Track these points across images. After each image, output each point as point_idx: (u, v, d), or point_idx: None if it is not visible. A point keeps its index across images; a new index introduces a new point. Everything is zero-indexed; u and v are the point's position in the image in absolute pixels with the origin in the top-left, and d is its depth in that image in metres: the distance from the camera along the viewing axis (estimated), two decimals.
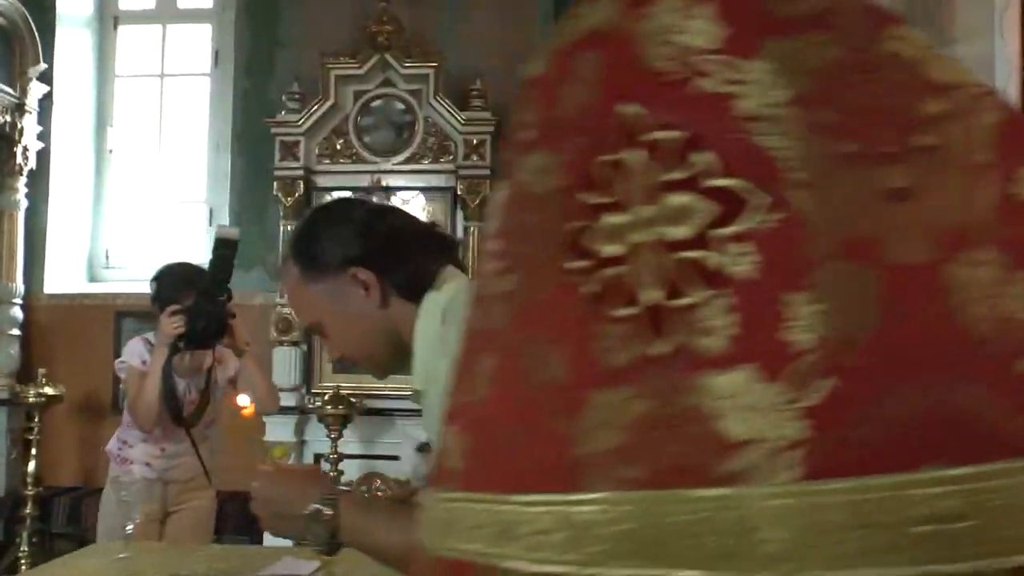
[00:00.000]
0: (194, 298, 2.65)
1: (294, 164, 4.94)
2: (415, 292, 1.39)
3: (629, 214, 0.56)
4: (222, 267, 2.53)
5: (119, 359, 3.06)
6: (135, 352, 2.95)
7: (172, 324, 2.65)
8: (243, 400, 2.19)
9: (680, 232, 0.54)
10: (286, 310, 4.46)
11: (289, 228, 4.93)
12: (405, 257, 1.40)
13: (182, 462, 2.95)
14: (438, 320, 1.34)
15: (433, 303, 1.37)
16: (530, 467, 0.57)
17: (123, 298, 5.39)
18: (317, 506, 1.29)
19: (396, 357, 1.44)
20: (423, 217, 2.43)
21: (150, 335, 2.94)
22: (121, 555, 2.10)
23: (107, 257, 5.83)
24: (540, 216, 0.63)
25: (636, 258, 0.55)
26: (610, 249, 0.56)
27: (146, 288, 3.04)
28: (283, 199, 4.95)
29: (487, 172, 4.87)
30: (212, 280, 2.60)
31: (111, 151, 5.84)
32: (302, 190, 4.93)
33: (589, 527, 0.53)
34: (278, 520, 1.36)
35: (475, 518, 0.60)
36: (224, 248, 2.49)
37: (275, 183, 4.97)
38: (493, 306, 0.65)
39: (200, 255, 4.38)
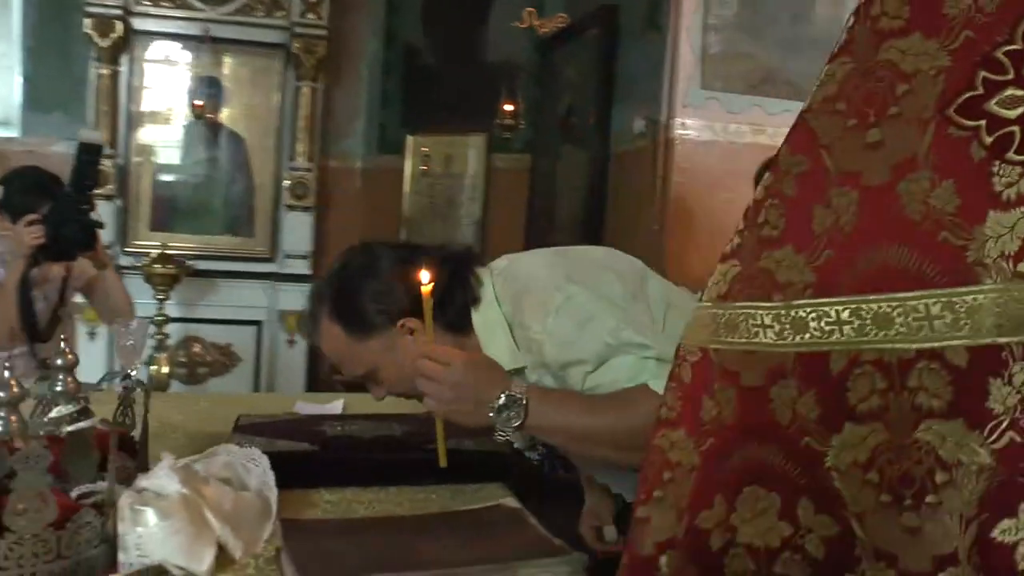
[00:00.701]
0: (52, 206, 2.42)
1: (110, 1, 4.52)
2: (459, 321, 1.44)
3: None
4: (87, 174, 2.35)
5: None
6: None
7: (31, 234, 2.40)
8: None
9: None
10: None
11: (102, 72, 4.57)
12: (441, 296, 1.41)
13: None
14: (500, 333, 1.42)
15: (485, 321, 1.44)
16: (907, 272, 0.83)
17: None
18: (512, 393, 1.30)
19: None
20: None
21: None
22: None
23: None
24: (908, 87, 0.88)
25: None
26: (1010, 113, 0.81)
27: None
28: (96, 39, 4.54)
29: (323, 32, 4.71)
30: (77, 187, 2.39)
31: None
32: (120, 32, 4.54)
33: (976, 310, 0.79)
34: (463, 406, 1.32)
35: (833, 315, 0.88)
36: (88, 154, 2.30)
37: (86, 20, 4.53)
38: (849, 149, 0.90)
39: None
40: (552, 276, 1.41)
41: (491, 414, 1.30)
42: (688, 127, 3.50)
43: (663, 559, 0.95)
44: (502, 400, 1.30)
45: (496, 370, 1.37)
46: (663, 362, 1.28)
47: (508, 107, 4.25)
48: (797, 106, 2.19)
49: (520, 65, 4.72)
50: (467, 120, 4.71)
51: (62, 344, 1.46)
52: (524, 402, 1.30)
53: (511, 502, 1.40)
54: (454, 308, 1.43)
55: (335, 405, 2.04)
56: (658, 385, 1.18)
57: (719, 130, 3.53)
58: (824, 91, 0.94)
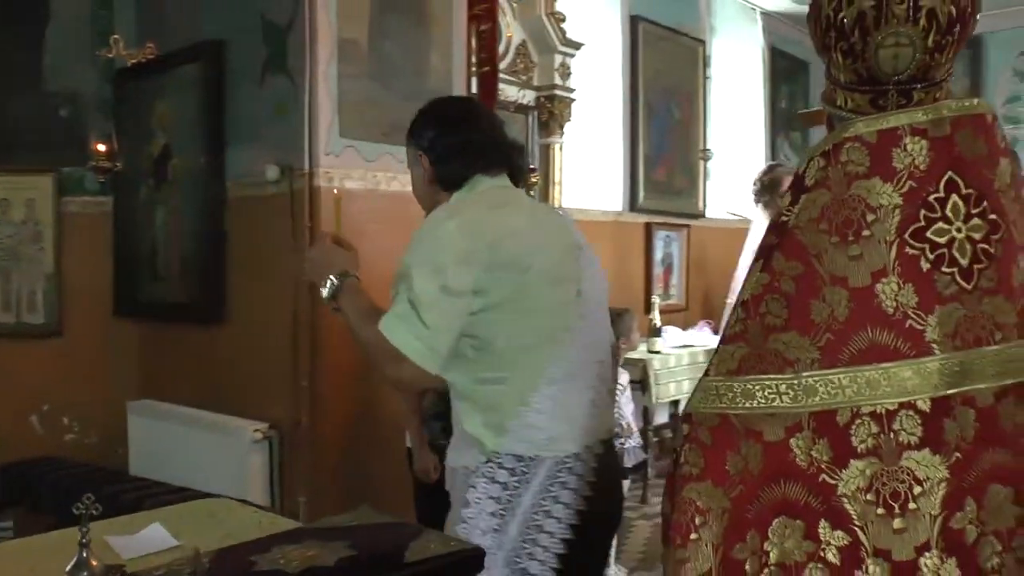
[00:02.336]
0: None
1: None
2: (449, 187, 2.01)
3: (951, 226, 1.27)
4: None
5: None
6: None
7: None
8: None
9: (977, 234, 1.27)
10: None
11: None
12: (453, 162, 1.99)
13: None
14: (439, 218, 1.89)
15: (452, 201, 1.97)
16: (888, 348, 1.24)
17: None
18: (337, 280, 1.96)
19: None
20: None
21: None
22: None
23: None
24: (875, 217, 1.28)
25: (953, 245, 1.27)
26: (940, 239, 1.27)
27: None
28: None
29: None
30: None
31: None
32: None
33: (933, 373, 1.23)
34: (313, 271, 2.01)
35: (836, 381, 1.25)
36: None
37: None
38: (836, 259, 1.28)
39: None
40: (434, 227, 1.88)
41: (323, 286, 1.96)
42: (331, 175, 3.50)
43: None
44: (332, 279, 1.95)
45: (345, 263, 1.99)
46: (400, 318, 1.80)
47: (101, 146, 3.82)
48: None
49: (89, 98, 4.25)
50: (30, 159, 4.12)
51: None
52: (337, 286, 1.95)
53: None
54: (451, 178, 2.00)
55: (153, 532, 1.74)
56: (383, 324, 1.80)
57: (358, 177, 3.59)
58: (808, 213, 1.31)
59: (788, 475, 1.27)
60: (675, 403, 6.17)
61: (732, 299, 4.59)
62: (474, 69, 4.03)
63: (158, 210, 4.09)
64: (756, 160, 7.18)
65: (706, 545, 1.28)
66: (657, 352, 5.54)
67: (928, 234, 1.27)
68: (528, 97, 5.14)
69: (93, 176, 4.05)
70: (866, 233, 1.28)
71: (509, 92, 4.93)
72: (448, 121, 2.05)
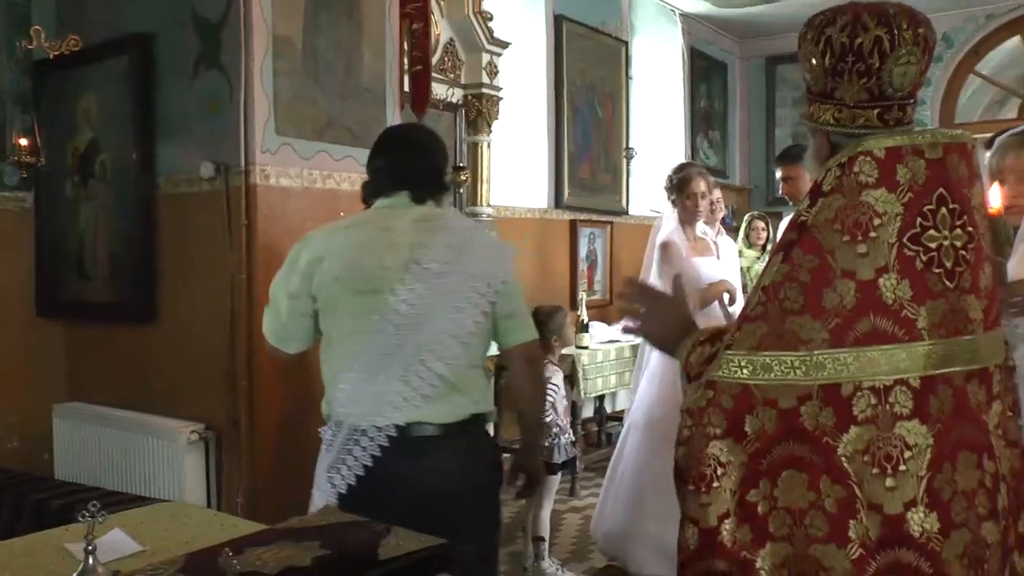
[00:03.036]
0: None
1: None
2: (366, 204, 2.53)
3: (940, 232, 1.51)
4: None
5: None
6: None
7: None
8: None
9: (958, 242, 1.53)
10: None
11: None
12: (365, 185, 2.53)
13: None
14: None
15: None
16: (886, 333, 1.48)
17: None
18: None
19: None
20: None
21: None
22: None
23: None
24: (880, 221, 1.51)
25: (941, 250, 1.51)
26: (931, 244, 1.51)
27: None
28: None
29: None
30: None
31: None
32: None
33: (922, 355, 1.49)
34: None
35: (842, 359, 1.49)
36: None
37: None
38: (846, 256, 1.51)
39: None
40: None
41: None
42: (268, 173, 3.48)
43: (724, 525, 1.56)
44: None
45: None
46: (267, 310, 2.54)
47: (23, 140, 3.70)
48: (357, 152, 3.44)
49: (6, 90, 4.11)
50: None
51: None
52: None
53: None
54: (367, 194, 2.54)
55: (115, 537, 1.72)
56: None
57: (295, 175, 3.57)
58: (824, 215, 1.55)
59: (797, 436, 1.53)
60: (601, 398, 6.30)
61: None
62: (407, 68, 4.05)
63: (84, 207, 3.98)
64: (676, 158, 7.36)
65: (725, 491, 1.56)
66: (585, 347, 5.64)
67: (922, 239, 1.53)
68: (456, 95, 5.17)
69: (13, 171, 3.93)
70: (872, 235, 1.52)
71: (438, 90, 4.95)
72: (373, 150, 2.56)
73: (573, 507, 5.33)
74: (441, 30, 5.03)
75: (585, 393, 5.55)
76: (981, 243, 1.57)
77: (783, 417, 1.53)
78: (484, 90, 5.20)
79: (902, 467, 1.49)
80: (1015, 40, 7.97)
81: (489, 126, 5.28)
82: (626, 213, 7.06)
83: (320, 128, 3.66)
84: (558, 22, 6.25)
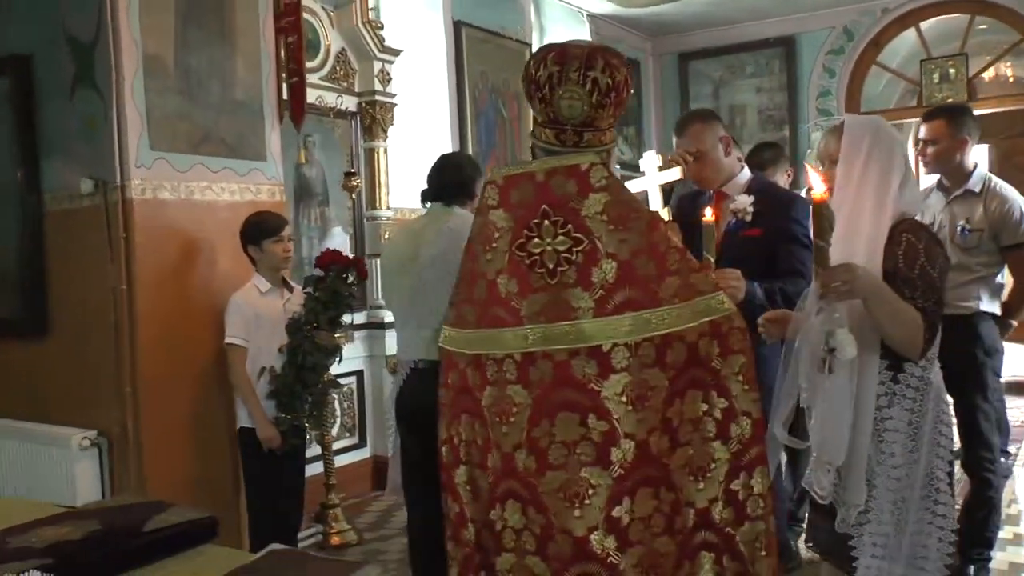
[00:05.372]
0: None
1: None
2: None
3: (543, 240, 1.93)
4: None
5: None
6: None
7: None
8: None
9: (561, 247, 1.93)
10: None
11: None
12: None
13: None
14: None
15: None
16: (502, 319, 1.97)
17: None
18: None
19: None
20: None
21: None
22: None
23: None
24: (499, 234, 1.99)
25: (544, 254, 1.92)
26: (536, 250, 1.94)
27: None
28: None
29: None
30: None
31: None
32: None
33: (524, 336, 1.94)
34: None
35: (478, 337, 2.04)
36: None
37: None
38: (481, 261, 2.03)
39: None
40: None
41: None
42: (143, 187, 3.62)
43: (444, 449, 2.20)
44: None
45: None
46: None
47: None
48: (234, 163, 3.83)
49: None
50: None
51: None
52: None
53: (278, 547, 1.60)
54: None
55: None
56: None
57: (171, 188, 3.72)
58: (475, 230, 2.07)
59: (466, 390, 2.08)
60: None
61: None
62: (285, 80, 4.21)
63: None
64: None
65: (442, 427, 2.23)
66: None
67: (528, 246, 1.94)
68: (350, 103, 5.33)
69: None
70: (494, 245, 1.99)
71: (328, 99, 5.11)
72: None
73: None
74: (332, 41, 5.18)
75: None
76: (596, 245, 1.89)
77: (461, 376, 2.10)
78: (377, 97, 5.36)
79: (512, 419, 1.95)
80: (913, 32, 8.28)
81: (384, 132, 5.44)
82: None
83: (196, 142, 3.80)
84: (457, 28, 6.42)
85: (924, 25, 8.18)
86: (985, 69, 8.34)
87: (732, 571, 1.97)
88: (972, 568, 3.64)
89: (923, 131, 3.68)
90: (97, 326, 3.71)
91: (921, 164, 3.79)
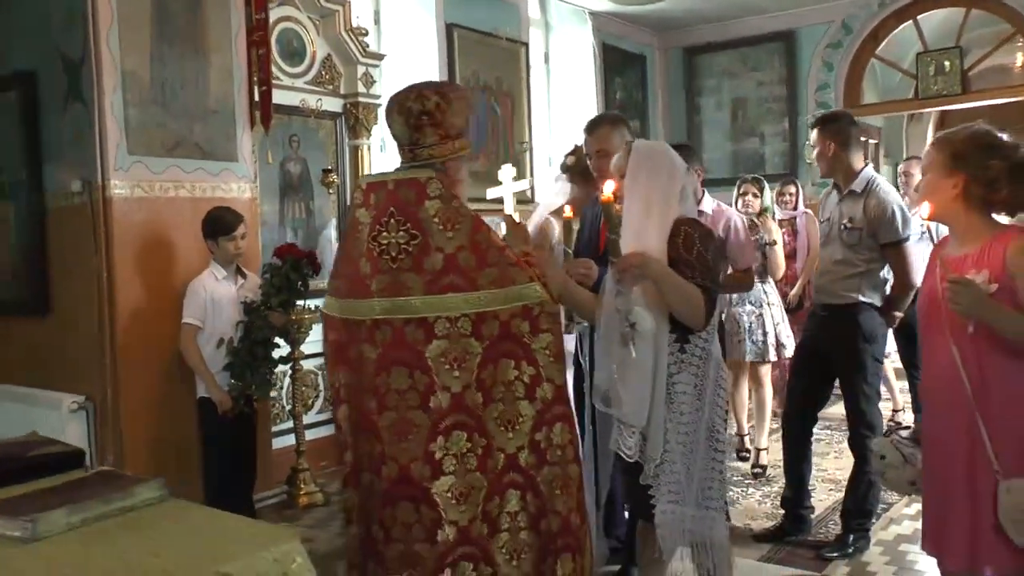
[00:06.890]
0: None
1: None
2: None
3: (389, 234, 2.42)
4: None
5: None
6: None
7: None
8: None
9: (402, 241, 2.43)
10: None
11: None
12: None
13: None
14: None
15: None
16: (361, 291, 2.48)
17: None
18: None
19: None
20: None
21: None
22: None
23: None
24: (362, 227, 2.49)
25: (390, 245, 2.41)
26: (384, 241, 2.43)
27: None
28: None
29: None
30: None
31: None
32: None
33: (374, 307, 2.45)
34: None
35: (346, 304, 2.58)
36: None
37: None
38: (353, 247, 2.52)
39: None
40: None
41: None
42: (121, 187, 4.18)
43: (331, 393, 2.83)
44: None
45: None
46: None
47: None
48: (208, 164, 4.63)
49: None
50: None
51: None
52: None
53: (106, 469, 2.11)
54: None
55: None
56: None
57: (147, 188, 4.27)
58: (349, 222, 2.59)
59: (341, 346, 2.59)
60: None
61: None
62: (257, 88, 4.73)
63: None
64: None
65: (329, 375, 2.76)
66: None
67: (378, 239, 2.42)
68: (335, 105, 5.83)
69: None
70: (358, 235, 2.47)
71: (311, 101, 5.62)
72: None
73: None
74: (317, 48, 5.68)
75: None
76: (428, 241, 2.36)
77: (337, 334, 2.61)
78: (360, 99, 5.85)
79: (366, 370, 2.46)
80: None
81: (368, 131, 5.92)
82: (531, 201, 7.67)
83: (170, 146, 4.36)
84: (449, 30, 6.86)
85: (922, 18, 8.35)
86: (980, 62, 8.46)
87: (534, 506, 2.43)
88: (851, 537, 4.00)
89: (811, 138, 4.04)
90: (87, 307, 4.30)
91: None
